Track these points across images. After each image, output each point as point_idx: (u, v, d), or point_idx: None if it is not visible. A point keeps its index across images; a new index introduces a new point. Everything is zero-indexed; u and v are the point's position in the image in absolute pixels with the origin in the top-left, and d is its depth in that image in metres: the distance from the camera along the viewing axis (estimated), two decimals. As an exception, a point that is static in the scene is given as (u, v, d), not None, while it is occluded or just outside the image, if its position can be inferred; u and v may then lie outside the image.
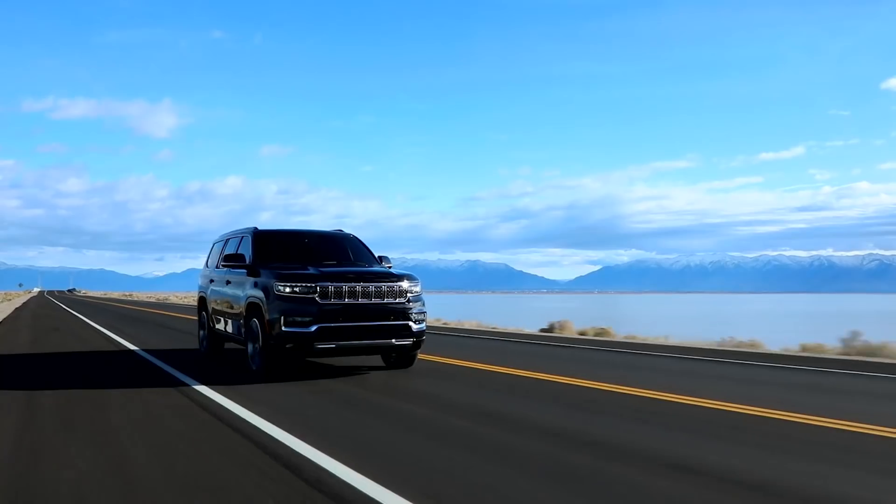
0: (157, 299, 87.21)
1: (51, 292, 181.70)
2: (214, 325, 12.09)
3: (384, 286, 9.55)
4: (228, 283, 11.16)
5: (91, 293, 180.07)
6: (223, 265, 11.06)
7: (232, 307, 10.91)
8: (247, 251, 10.80)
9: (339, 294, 9.24)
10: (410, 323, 9.64)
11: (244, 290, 10.25)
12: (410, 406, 7.50)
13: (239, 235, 11.50)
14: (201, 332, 13.04)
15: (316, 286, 9.18)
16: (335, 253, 11.24)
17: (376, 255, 11.45)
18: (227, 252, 11.62)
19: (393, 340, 9.56)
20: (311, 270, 9.52)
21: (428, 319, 10.32)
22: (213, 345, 12.40)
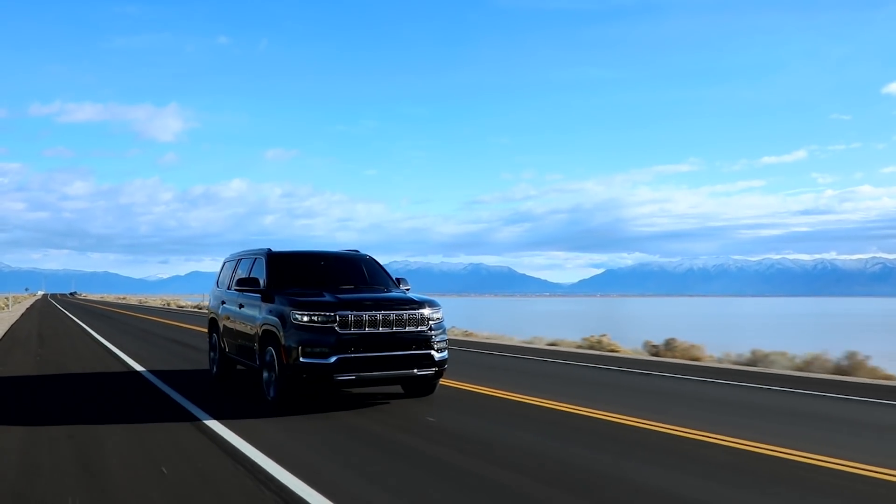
0: (165, 302, 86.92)
1: (53, 295, 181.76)
2: (226, 349, 11.66)
3: (405, 314, 9.09)
4: (241, 306, 10.71)
5: (90, 296, 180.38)
6: (236, 289, 10.62)
7: (245, 332, 10.46)
8: (260, 274, 10.35)
9: (359, 323, 8.79)
10: (433, 352, 9.20)
11: (258, 316, 9.80)
12: (447, 450, 7.04)
13: (252, 256, 11.05)
14: (212, 354, 12.59)
15: (335, 315, 8.73)
16: (352, 276, 10.78)
17: (394, 278, 11.00)
18: (239, 273, 11.20)
19: (415, 371, 9.12)
20: (329, 298, 9.07)
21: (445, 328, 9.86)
22: (224, 368, 11.96)
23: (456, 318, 41.52)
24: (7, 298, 51.83)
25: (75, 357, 16.60)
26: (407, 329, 9.07)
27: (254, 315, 10.03)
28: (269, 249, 10.81)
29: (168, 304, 77.74)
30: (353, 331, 8.75)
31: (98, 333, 25.30)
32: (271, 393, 9.36)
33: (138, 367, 14.24)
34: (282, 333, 8.98)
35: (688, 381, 12.50)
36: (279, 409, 9.12)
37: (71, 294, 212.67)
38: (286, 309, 9.02)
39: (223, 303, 11.84)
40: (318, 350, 8.64)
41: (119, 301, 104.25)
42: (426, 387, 10.07)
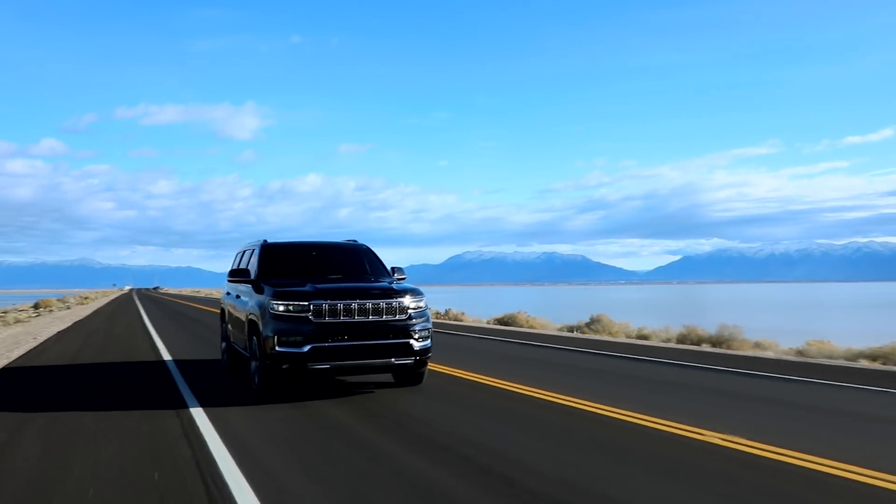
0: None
1: (138, 290, 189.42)
2: (230, 338, 11.95)
3: (383, 303, 9.12)
4: (238, 297, 10.97)
5: (170, 290, 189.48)
6: (229, 280, 10.89)
7: (240, 321, 10.70)
8: (254, 265, 10.58)
9: (333, 312, 8.86)
10: (412, 341, 9.21)
11: (247, 306, 10.05)
12: (408, 446, 7.08)
13: (252, 248, 11.29)
14: (223, 344, 12.92)
15: (310, 304, 8.84)
16: (344, 266, 10.89)
17: (389, 268, 11.04)
18: (241, 264, 11.44)
19: (392, 360, 9.14)
20: (308, 287, 9.18)
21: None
22: (231, 357, 12.24)
23: (513, 306, 41.02)
24: (63, 301, 54.47)
25: (118, 338, 17.30)
26: (384, 318, 9.09)
27: (245, 304, 10.26)
28: (265, 241, 11.03)
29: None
30: (327, 320, 8.83)
31: (148, 318, 31.07)
32: (256, 381, 9.56)
33: (166, 356, 14.76)
34: (261, 322, 9.17)
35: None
36: (266, 397, 9.30)
37: (154, 288, 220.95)
38: (266, 298, 9.20)
39: (227, 293, 12.14)
40: (292, 339, 8.75)
41: (192, 294, 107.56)
42: (413, 376, 10.10)
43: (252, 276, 10.30)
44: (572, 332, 22.43)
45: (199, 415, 8.20)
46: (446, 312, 33.48)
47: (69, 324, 28.61)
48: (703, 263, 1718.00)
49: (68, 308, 50.10)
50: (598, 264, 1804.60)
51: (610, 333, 21.26)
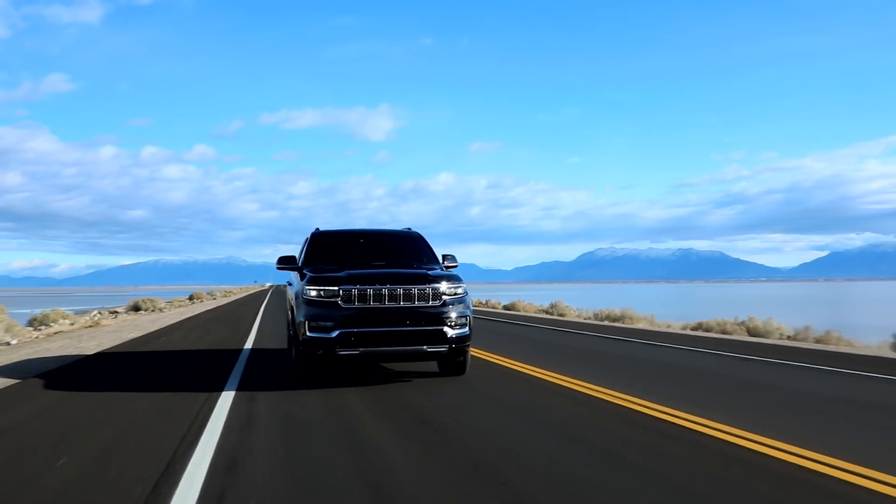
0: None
1: (277, 286, 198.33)
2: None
3: (415, 289, 8.86)
4: (290, 284, 11.07)
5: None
6: (278, 266, 10.99)
7: (289, 308, 10.79)
8: (302, 252, 10.67)
9: (363, 298, 8.71)
10: (445, 328, 8.88)
11: (291, 292, 10.11)
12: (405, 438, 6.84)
13: (307, 236, 11.37)
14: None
15: (339, 289, 8.75)
16: (389, 253, 10.76)
17: (440, 255, 10.80)
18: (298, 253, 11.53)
19: (425, 347, 8.85)
20: (340, 273, 9.09)
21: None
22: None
23: (651, 306, 39.07)
24: (211, 294, 64.60)
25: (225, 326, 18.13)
26: (416, 304, 8.84)
27: (291, 292, 10.32)
28: (317, 229, 11.07)
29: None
30: (357, 305, 8.68)
31: (264, 310, 35.14)
32: (295, 367, 9.58)
33: (248, 345, 15.20)
34: (296, 309, 9.18)
35: None
36: (302, 384, 9.29)
37: (288, 284, 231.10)
38: (301, 284, 9.19)
39: (288, 283, 12.29)
40: (322, 324, 8.66)
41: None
42: (453, 365, 9.83)
43: (298, 263, 10.35)
44: (692, 329, 21.38)
45: (225, 398, 8.27)
46: (552, 306, 32.97)
47: (199, 311, 34.54)
48: (853, 259, 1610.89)
49: (214, 299, 62.60)
50: (738, 261, 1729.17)
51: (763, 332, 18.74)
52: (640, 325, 23.01)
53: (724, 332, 19.21)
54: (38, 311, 26.32)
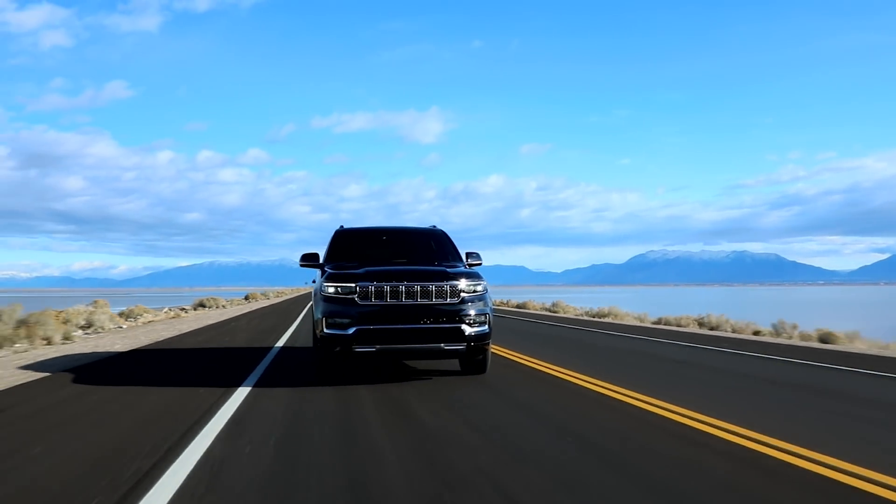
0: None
1: None
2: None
3: (432, 286, 8.75)
4: (314, 281, 11.08)
5: None
6: (300, 264, 10.99)
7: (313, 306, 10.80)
8: (325, 250, 10.67)
9: (380, 294, 8.64)
10: (463, 326, 8.73)
11: (314, 289, 10.11)
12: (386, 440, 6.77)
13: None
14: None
15: (356, 286, 8.70)
16: (411, 251, 10.68)
17: (463, 253, 10.69)
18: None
19: (442, 345, 8.70)
20: (358, 270, 9.04)
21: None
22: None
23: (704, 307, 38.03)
24: (265, 294, 69.08)
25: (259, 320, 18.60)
26: (434, 301, 8.74)
27: (314, 288, 10.33)
28: (341, 226, 11.07)
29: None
30: (373, 301, 8.63)
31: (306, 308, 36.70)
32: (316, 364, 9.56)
33: (279, 343, 15.30)
34: (315, 305, 9.18)
35: None
36: (321, 380, 9.27)
37: (313, 281, 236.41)
38: (320, 281, 9.19)
39: (313, 280, 12.32)
40: (339, 321, 8.61)
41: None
42: (473, 364, 9.71)
43: (321, 261, 10.36)
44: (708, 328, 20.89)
45: (241, 393, 8.29)
46: (600, 311, 32.72)
47: (256, 308, 40.36)
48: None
49: (267, 299, 70.58)
50: (794, 263, 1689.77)
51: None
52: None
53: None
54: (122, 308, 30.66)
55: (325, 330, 8.71)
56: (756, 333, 20.05)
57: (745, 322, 22.46)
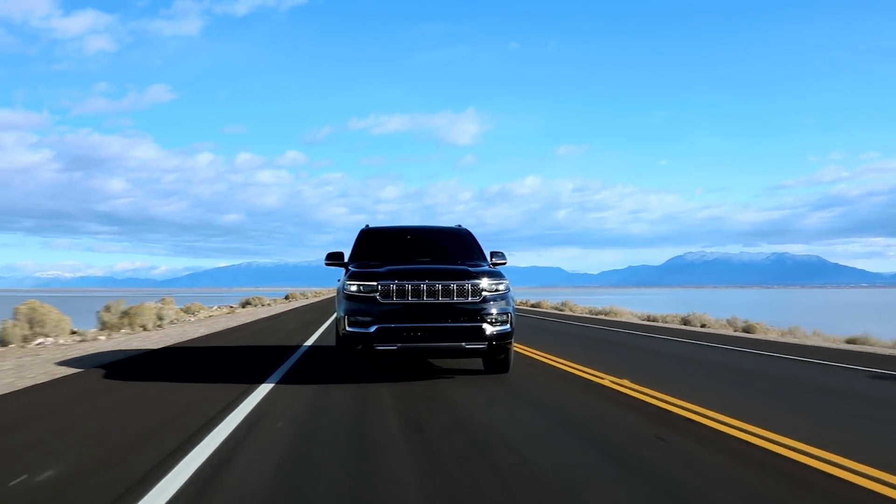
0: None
1: None
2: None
3: (453, 284, 8.76)
4: (339, 280, 11.14)
5: None
6: (325, 263, 11.03)
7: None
8: (350, 249, 10.73)
9: (401, 293, 8.68)
10: (484, 325, 8.72)
11: (338, 288, 10.17)
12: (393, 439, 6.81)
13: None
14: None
15: (377, 285, 8.73)
16: (435, 250, 10.70)
17: (488, 253, 10.67)
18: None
19: (463, 344, 8.70)
20: (380, 269, 9.07)
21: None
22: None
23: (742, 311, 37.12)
24: (303, 294, 72.31)
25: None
26: (455, 300, 8.75)
27: (338, 287, 10.39)
28: (367, 225, 11.12)
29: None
30: (395, 300, 8.66)
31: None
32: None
33: (309, 342, 15.45)
34: (338, 303, 9.24)
35: None
36: (343, 378, 9.35)
37: (338, 280, 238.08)
38: (343, 279, 9.25)
39: (338, 279, 12.38)
40: (360, 319, 8.67)
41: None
42: (498, 364, 9.68)
43: (346, 259, 10.42)
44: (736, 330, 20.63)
45: (262, 389, 8.38)
46: (603, 309, 33.29)
47: (297, 305, 47.73)
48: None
49: (306, 298, 75.92)
50: (836, 265, 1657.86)
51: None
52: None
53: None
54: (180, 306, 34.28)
55: (347, 328, 8.76)
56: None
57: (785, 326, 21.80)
